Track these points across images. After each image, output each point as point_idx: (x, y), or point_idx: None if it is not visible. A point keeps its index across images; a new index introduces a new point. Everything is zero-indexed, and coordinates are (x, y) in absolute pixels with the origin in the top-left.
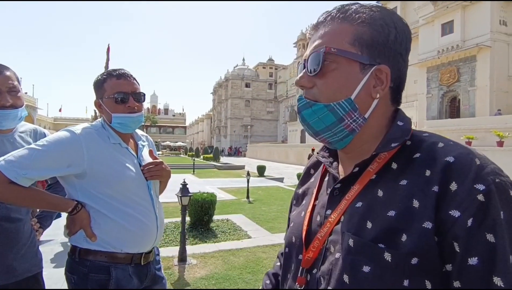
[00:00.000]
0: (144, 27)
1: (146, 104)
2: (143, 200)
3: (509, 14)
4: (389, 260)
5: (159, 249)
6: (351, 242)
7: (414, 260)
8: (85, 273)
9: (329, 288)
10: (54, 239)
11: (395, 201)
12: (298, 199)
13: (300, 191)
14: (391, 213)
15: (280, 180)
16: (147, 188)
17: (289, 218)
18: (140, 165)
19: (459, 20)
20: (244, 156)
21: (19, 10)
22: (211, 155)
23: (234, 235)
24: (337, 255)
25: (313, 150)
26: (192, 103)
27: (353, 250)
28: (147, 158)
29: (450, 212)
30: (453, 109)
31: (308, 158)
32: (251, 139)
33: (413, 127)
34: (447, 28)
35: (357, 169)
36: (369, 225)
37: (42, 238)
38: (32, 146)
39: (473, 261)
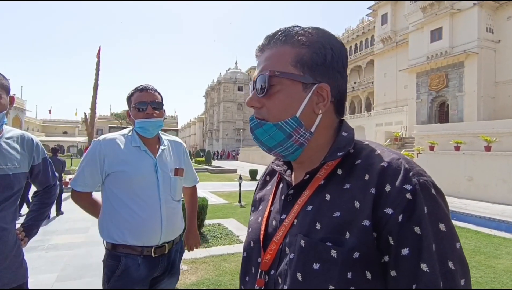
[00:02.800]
0: (135, 29)
1: None
2: (150, 198)
3: (495, 22)
4: (335, 256)
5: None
6: (302, 242)
7: (356, 254)
8: (105, 260)
9: (285, 287)
10: (40, 245)
11: (340, 203)
12: (255, 205)
13: (257, 197)
14: (336, 214)
15: None
16: (156, 187)
17: (248, 225)
18: (157, 167)
19: (447, 27)
20: (236, 159)
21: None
22: (203, 159)
23: (226, 239)
24: (291, 255)
25: None
26: (184, 106)
27: (304, 250)
28: (164, 161)
29: (385, 210)
30: (442, 114)
31: None
32: (243, 142)
33: (403, 131)
34: (436, 34)
35: (307, 176)
36: (318, 226)
37: (28, 244)
38: (80, 163)
39: (405, 251)
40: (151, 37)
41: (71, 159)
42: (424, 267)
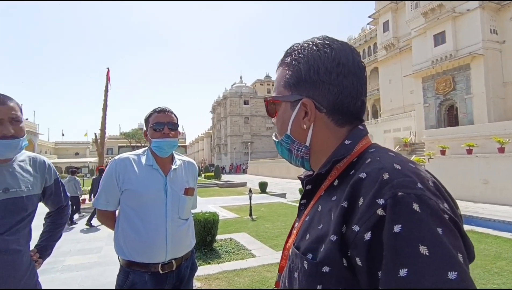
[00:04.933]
0: (141, 48)
1: None
2: (156, 216)
3: (498, 23)
4: (306, 267)
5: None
6: (291, 251)
7: (326, 269)
8: (117, 274)
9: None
10: (54, 266)
11: (324, 215)
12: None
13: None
14: (320, 226)
15: (283, 195)
16: (164, 206)
17: None
18: (166, 185)
19: (450, 30)
20: (245, 172)
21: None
22: (213, 174)
23: (238, 254)
24: (289, 262)
25: None
26: (191, 122)
27: (291, 259)
28: (175, 180)
29: (352, 227)
30: (451, 117)
31: None
32: (251, 155)
33: (412, 137)
34: (439, 38)
35: (309, 186)
36: (307, 237)
37: (42, 266)
38: (100, 183)
39: (379, 275)
40: (156, 56)
41: (83, 179)
42: None
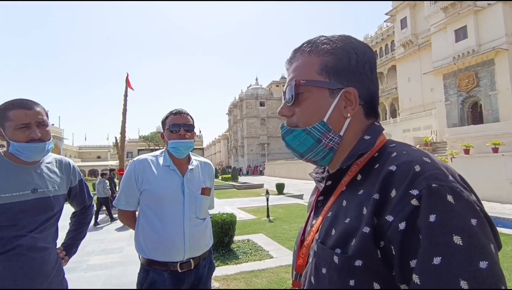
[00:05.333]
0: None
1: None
2: (174, 216)
3: None
4: (336, 262)
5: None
6: (316, 247)
7: (358, 262)
8: (138, 273)
9: (304, 288)
10: (79, 266)
11: (351, 209)
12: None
13: (308, 204)
14: (347, 220)
15: (300, 197)
16: (182, 206)
17: None
18: (184, 185)
19: (472, 25)
20: (262, 174)
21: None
22: (230, 175)
23: (256, 255)
24: (311, 259)
25: None
26: (208, 125)
27: (317, 255)
28: (192, 180)
29: (386, 217)
30: (475, 115)
31: None
32: (268, 157)
33: (432, 135)
34: (460, 33)
35: (329, 182)
36: (333, 232)
37: (68, 265)
38: (120, 184)
39: (413, 263)
40: (174, 59)
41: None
42: (415, 278)
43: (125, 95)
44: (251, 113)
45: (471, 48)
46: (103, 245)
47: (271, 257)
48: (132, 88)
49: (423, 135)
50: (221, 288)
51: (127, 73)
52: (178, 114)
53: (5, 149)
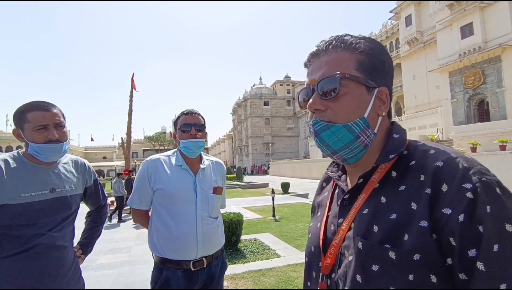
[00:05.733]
0: (165, 54)
1: (169, 129)
2: (187, 215)
3: None
4: (394, 258)
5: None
6: (360, 245)
7: (416, 256)
8: (152, 271)
9: (345, 288)
10: (89, 265)
11: (396, 205)
12: (314, 211)
13: (316, 203)
14: (393, 216)
15: (305, 196)
16: (194, 205)
17: (309, 231)
18: (196, 184)
19: (478, 21)
20: (267, 173)
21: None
22: (235, 175)
23: (263, 254)
24: (350, 258)
25: None
26: (213, 124)
27: (362, 252)
28: (204, 179)
29: (442, 211)
30: (481, 112)
31: None
32: (273, 156)
33: (438, 133)
34: (466, 30)
35: (361, 180)
36: (375, 228)
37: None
38: (134, 183)
39: (472, 252)
40: (179, 61)
41: (111, 182)
42: (480, 266)
43: (131, 96)
44: (255, 113)
45: (477, 45)
46: (111, 244)
47: (279, 256)
48: (136, 89)
49: (429, 133)
50: (230, 288)
51: (133, 73)
52: (189, 114)
53: (23, 150)
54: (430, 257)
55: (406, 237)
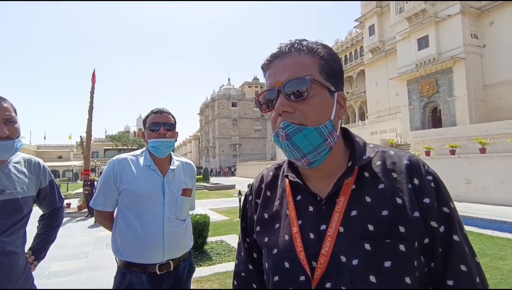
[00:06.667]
0: (128, 49)
1: (133, 128)
2: (154, 217)
3: (479, 28)
4: (404, 250)
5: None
6: (367, 246)
7: (416, 243)
8: (115, 276)
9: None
10: (40, 272)
11: (383, 203)
12: (264, 224)
13: (265, 215)
14: (385, 213)
15: None
16: (162, 206)
17: (257, 245)
18: (164, 185)
19: (433, 35)
20: (234, 175)
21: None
22: (201, 176)
23: (230, 256)
24: (355, 261)
25: None
26: (179, 125)
27: (371, 252)
28: (173, 180)
29: (424, 200)
30: (435, 119)
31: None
32: (240, 158)
33: (398, 138)
34: (423, 42)
35: (342, 183)
36: (371, 227)
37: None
38: (98, 183)
39: (441, 229)
40: (143, 57)
41: (67, 183)
42: (455, 237)
43: (92, 92)
44: (223, 114)
45: (432, 56)
46: (66, 250)
47: None
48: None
49: (389, 138)
50: (196, 289)
51: (94, 69)
52: (158, 113)
53: None
54: (421, 241)
55: (402, 229)
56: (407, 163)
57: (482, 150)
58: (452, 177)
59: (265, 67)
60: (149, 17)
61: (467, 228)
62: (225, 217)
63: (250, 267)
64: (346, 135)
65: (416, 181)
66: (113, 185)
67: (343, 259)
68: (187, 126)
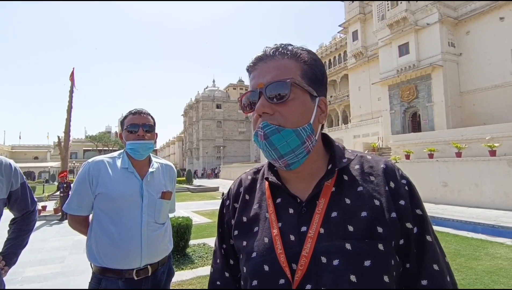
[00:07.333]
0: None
1: (114, 129)
2: (131, 221)
3: (455, 37)
4: (382, 249)
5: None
6: (348, 246)
7: (393, 243)
8: (89, 282)
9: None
10: (13, 278)
11: (362, 204)
12: (243, 228)
13: (244, 219)
14: (364, 214)
15: None
16: (140, 210)
17: (234, 251)
18: (142, 188)
19: (413, 42)
20: (218, 177)
21: None
22: (184, 178)
23: (212, 259)
24: (336, 262)
25: None
26: (162, 126)
27: (352, 252)
28: (152, 183)
29: (399, 202)
30: (414, 123)
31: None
32: (224, 160)
33: (379, 142)
34: (403, 49)
35: (322, 185)
36: (350, 228)
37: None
38: (72, 186)
39: (415, 230)
40: (125, 57)
41: (43, 185)
42: (428, 238)
43: (71, 92)
44: (207, 115)
45: (412, 63)
46: (41, 255)
47: None
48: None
49: (371, 141)
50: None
51: (73, 68)
52: (137, 114)
53: None
54: (397, 242)
55: (380, 229)
56: (383, 167)
57: (458, 154)
58: (430, 180)
59: (249, 69)
60: (134, 17)
61: (444, 229)
62: (208, 219)
63: (227, 274)
64: (326, 140)
65: (392, 184)
66: (88, 188)
67: (324, 260)
68: (171, 127)
